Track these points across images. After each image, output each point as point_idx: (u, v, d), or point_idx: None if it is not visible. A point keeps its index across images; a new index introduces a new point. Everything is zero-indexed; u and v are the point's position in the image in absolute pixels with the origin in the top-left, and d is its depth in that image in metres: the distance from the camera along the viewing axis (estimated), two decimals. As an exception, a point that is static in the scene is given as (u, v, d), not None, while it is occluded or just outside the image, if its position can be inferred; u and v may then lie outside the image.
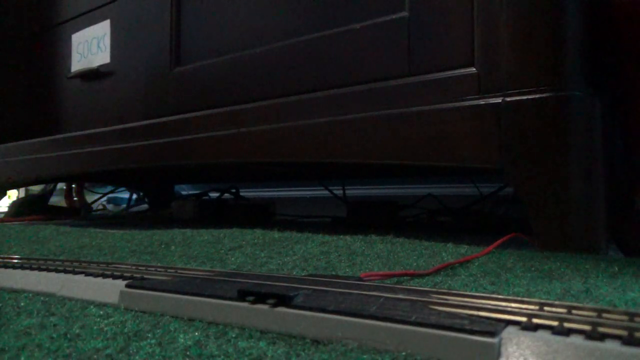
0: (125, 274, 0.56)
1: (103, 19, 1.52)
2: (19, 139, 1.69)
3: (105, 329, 0.41)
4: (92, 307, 0.49)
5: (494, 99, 0.73)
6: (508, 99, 0.72)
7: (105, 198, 2.32)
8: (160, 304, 0.47)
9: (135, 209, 2.11)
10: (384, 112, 0.84)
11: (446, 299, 0.40)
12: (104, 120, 1.46)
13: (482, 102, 0.74)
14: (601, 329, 0.32)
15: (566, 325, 0.33)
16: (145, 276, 0.55)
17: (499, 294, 0.45)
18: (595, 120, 0.70)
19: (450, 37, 0.82)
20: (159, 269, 0.60)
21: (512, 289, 0.50)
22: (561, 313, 0.36)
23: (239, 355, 0.35)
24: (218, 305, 0.43)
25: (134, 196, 2.22)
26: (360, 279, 0.51)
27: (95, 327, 0.42)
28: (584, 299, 0.46)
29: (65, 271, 0.61)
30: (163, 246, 0.88)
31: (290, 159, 0.96)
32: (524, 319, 0.35)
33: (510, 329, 0.34)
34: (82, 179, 2.02)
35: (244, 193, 1.80)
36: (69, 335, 0.40)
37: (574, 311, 0.36)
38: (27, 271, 0.64)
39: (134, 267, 0.63)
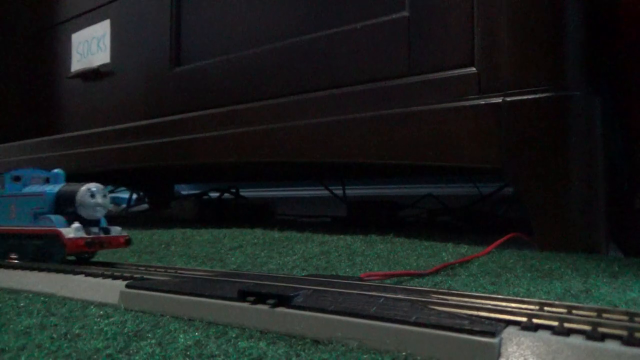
0: (125, 274, 0.56)
1: (103, 18, 1.52)
2: (19, 139, 1.69)
3: (105, 329, 0.41)
4: (92, 307, 0.49)
5: (494, 98, 0.73)
6: (508, 98, 0.72)
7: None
8: (160, 304, 0.47)
9: (135, 208, 2.11)
10: (384, 112, 0.84)
11: (446, 299, 0.40)
12: (104, 120, 1.46)
13: (482, 102, 0.74)
14: (601, 329, 0.32)
15: (566, 325, 0.33)
16: (145, 276, 0.55)
17: (499, 294, 0.45)
18: (595, 120, 0.70)
19: (450, 37, 0.82)
20: (159, 269, 0.60)
21: (512, 289, 0.50)
22: (561, 313, 0.36)
23: (239, 355, 0.35)
24: (218, 305, 0.43)
25: (134, 196, 2.22)
26: (360, 279, 0.51)
27: (95, 327, 0.42)
28: (584, 299, 0.46)
29: (65, 271, 0.61)
30: (163, 246, 0.88)
31: (290, 159, 0.96)
32: (524, 319, 0.35)
33: (511, 329, 0.34)
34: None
35: (244, 193, 1.80)
36: (69, 336, 0.40)
37: (574, 311, 0.36)
38: (27, 271, 0.64)
39: (134, 267, 0.63)
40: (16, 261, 0.69)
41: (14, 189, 0.71)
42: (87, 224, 0.64)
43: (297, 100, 0.98)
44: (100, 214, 0.66)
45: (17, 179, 0.72)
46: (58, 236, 0.61)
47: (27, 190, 0.71)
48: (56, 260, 0.64)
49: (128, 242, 0.66)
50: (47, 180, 0.73)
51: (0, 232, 0.71)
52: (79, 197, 0.64)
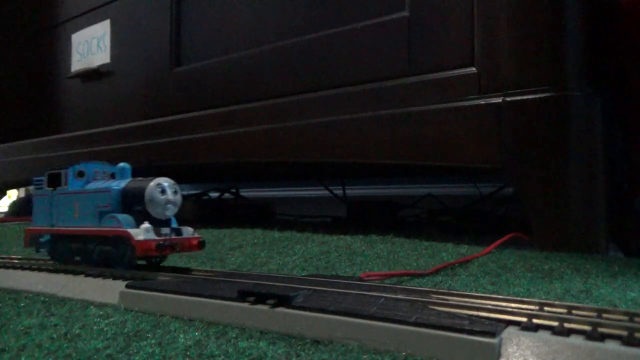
0: (125, 275, 0.56)
1: (103, 18, 1.52)
2: (19, 138, 1.69)
3: (105, 329, 0.41)
4: (92, 307, 0.49)
5: (494, 98, 0.73)
6: (508, 98, 0.72)
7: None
8: (160, 304, 0.47)
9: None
10: (384, 112, 0.84)
11: (446, 299, 0.40)
12: (104, 120, 1.46)
13: (482, 102, 0.74)
14: (601, 330, 0.32)
15: (566, 325, 0.33)
16: (145, 276, 0.55)
17: (499, 294, 0.45)
18: (595, 120, 0.70)
19: (450, 37, 0.82)
20: (159, 269, 0.60)
21: (512, 289, 0.50)
22: (561, 313, 0.36)
23: (239, 355, 0.35)
24: (218, 305, 0.43)
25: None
26: (360, 279, 0.51)
27: (95, 328, 0.42)
28: (584, 299, 0.46)
29: (66, 271, 0.61)
30: (163, 246, 0.87)
31: (290, 159, 0.96)
32: (524, 319, 0.35)
33: (511, 330, 0.34)
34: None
35: (244, 193, 1.80)
36: (69, 336, 0.40)
37: (574, 311, 0.36)
38: (27, 271, 0.64)
39: (134, 268, 0.63)
40: (16, 261, 0.68)
41: (76, 186, 0.64)
42: (156, 223, 0.57)
43: (297, 100, 0.98)
44: (171, 212, 0.59)
45: (80, 174, 0.64)
46: (126, 238, 0.55)
47: (91, 186, 0.63)
48: (124, 264, 0.58)
49: (202, 244, 0.59)
50: (112, 176, 0.66)
51: (63, 233, 0.64)
52: (148, 193, 0.57)
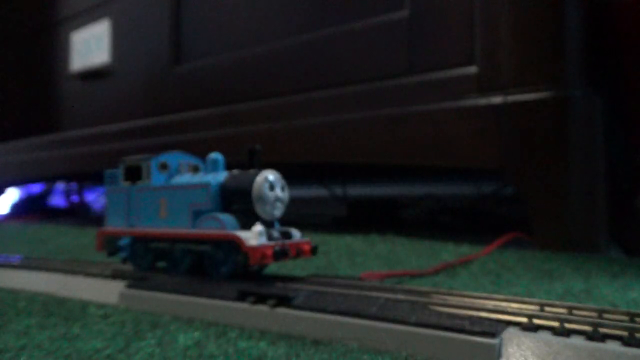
0: (125, 274, 0.56)
1: (103, 17, 1.52)
2: (19, 138, 1.68)
3: (105, 329, 0.41)
4: (92, 307, 0.49)
5: (494, 98, 0.73)
6: (508, 98, 0.72)
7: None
8: (160, 304, 0.47)
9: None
10: (384, 112, 0.84)
11: (446, 299, 0.40)
12: (103, 119, 1.46)
13: (482, 101, 0.74)
14: (602, 330, 0.32)
15: (567, 325, 0.33)
16: (145, 276, 0.55)
17: (499, 294, 0.45)
18: (595, 120, 0.70)
19: (450, 36, 0.81)
20: (159, 269, 0.60)
21: (512, 289, 0.50)
22: (562, 313, 0.36)
23: (239, 356, 0.35)
24: (218, 305, 0.43)
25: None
26: (360, 279, 0.51)
27: (94, 327, 0.42)
28: (585, 299, 0.46)
29: (65, 271, 0.61)
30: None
31: (290, 159, 0.96)
32: (524, 319, 0.35)
33: (511, 330, 0.34)
34: (81, 178, 2.02)
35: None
36: (68, 336, 0.40)
37: (574, 311, 0.36)
38: (27, 271, 0.64)
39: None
40: (16, 261, 0.68)
41: (160, 180, 0.56)
42: (265, 225, 0.49)
43: (296, 99, 0.98)
44: (279, 212, 0.50)
45: (163, 166, 0.56)
46: (236, 243, 0.47)
47: (180, 180, 0.55)
48: (226, 274, 0.49)
49: (314, 250, 0.50)
50: (195, 169, 0.57)
51: (148, 236, 0.55)
52: (256, 189, 0.48)
